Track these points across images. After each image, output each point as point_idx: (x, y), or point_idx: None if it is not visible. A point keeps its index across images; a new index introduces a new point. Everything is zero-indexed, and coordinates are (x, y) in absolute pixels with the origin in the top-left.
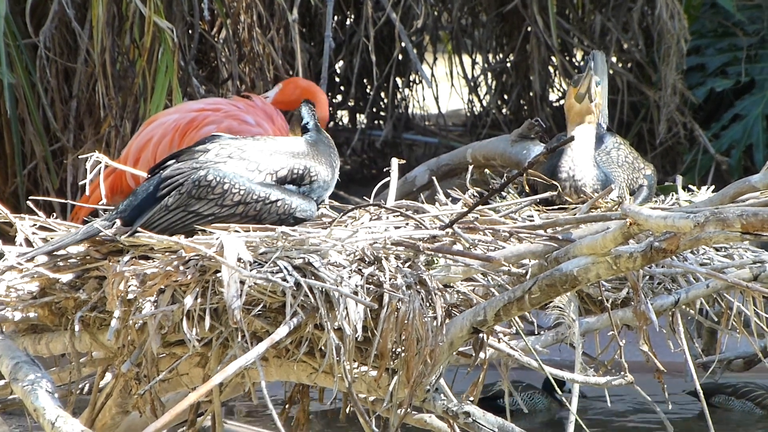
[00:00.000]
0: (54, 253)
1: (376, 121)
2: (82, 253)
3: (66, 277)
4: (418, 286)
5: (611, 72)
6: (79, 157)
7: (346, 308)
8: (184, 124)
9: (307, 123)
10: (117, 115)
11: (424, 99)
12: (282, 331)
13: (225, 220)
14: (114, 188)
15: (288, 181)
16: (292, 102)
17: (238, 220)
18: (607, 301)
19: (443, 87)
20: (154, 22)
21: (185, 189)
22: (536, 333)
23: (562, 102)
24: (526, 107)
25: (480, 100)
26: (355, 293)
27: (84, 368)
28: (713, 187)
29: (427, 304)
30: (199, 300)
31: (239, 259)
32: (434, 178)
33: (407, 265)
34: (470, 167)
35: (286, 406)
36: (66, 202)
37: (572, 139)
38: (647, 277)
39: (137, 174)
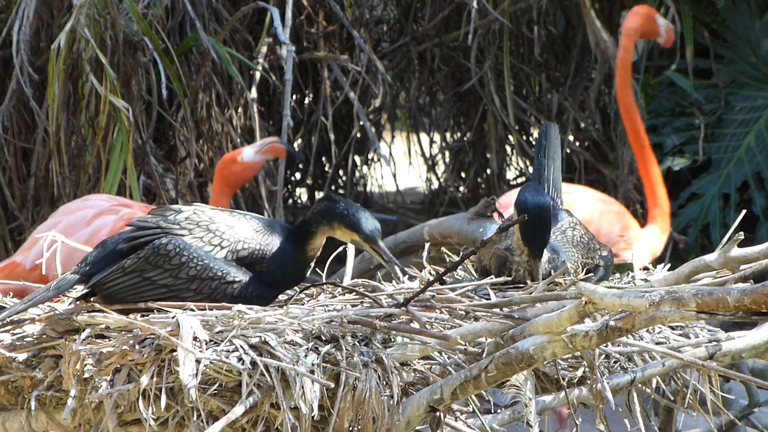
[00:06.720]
0: (28, 309)
1: None
2: (39, 332)
3: (22, 356)
4: (374, 365)
5: (568, 151)
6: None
7: (303, 387)
8: None
9: None
10: (71, 193)
11: (382, 177)
12: (238, 411)
13: (179, 293)
14: None
15: (247, 263)
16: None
17: (192, 296)
18: (564, 379)
19: (401, 165)
20: (110, 101)
21: (144, 253)
22: (493, 411)
23: (519, 180)
24: (483, 185)
25: (438, 178)
26: (312, 372)
27: None
28: (669, 265)
29: (384, 383)
30: (155, 379)
31: (195, 338)
32: None
33: (364, 343)
34: (427, 245)
35: None
36: (20, 283)
37: (524, 218)
38: (603, 355)
39: None
